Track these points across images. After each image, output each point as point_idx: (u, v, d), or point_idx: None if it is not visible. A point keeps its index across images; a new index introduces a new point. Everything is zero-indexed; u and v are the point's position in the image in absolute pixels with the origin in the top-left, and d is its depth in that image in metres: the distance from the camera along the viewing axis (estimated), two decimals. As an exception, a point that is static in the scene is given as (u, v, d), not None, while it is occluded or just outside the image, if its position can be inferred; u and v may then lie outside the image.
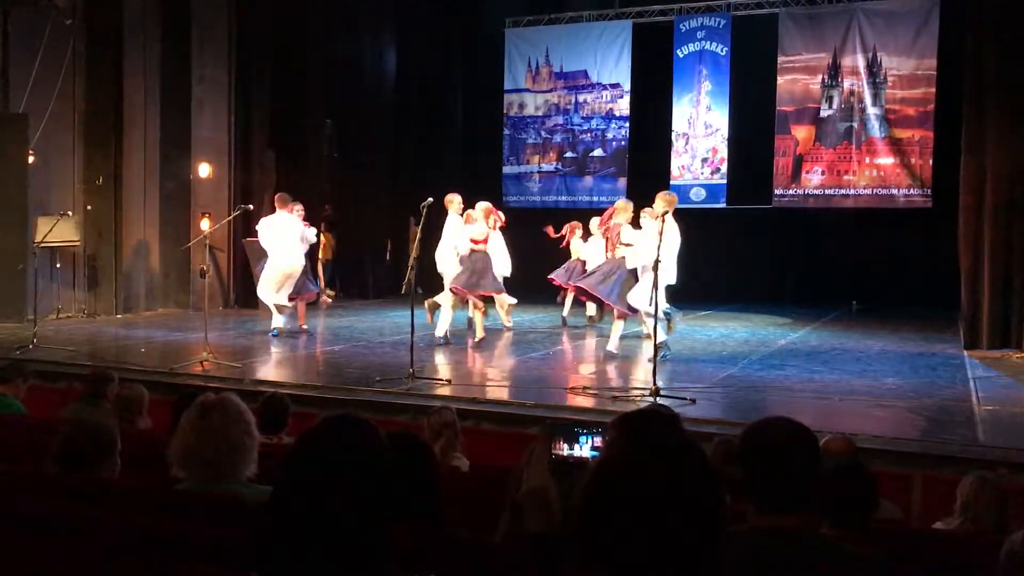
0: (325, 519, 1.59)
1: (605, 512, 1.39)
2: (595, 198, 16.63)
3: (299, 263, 10.36)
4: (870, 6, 14.95)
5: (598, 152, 16.94)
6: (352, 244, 15.63)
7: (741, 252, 16.10)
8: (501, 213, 11.00)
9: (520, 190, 17.50)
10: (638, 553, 1.36)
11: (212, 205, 13.12)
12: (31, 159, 11.21)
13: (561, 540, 1.68)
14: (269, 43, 14.11)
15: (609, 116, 16.81)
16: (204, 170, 13.33)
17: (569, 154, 17.15)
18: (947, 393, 7.44)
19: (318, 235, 11.35)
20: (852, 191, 15.19)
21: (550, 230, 12.72)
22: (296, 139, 14.80)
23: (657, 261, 7.40)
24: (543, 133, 17.37)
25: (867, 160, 15.06)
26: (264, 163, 14.23)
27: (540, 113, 17.36)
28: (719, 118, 15.96)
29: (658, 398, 6.71)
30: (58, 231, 9.96)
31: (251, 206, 10.55)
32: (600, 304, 10.82)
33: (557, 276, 12.28)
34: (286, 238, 10.24)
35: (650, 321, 8.16)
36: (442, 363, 8.81)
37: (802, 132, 15.42)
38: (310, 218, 11.04)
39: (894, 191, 14.94)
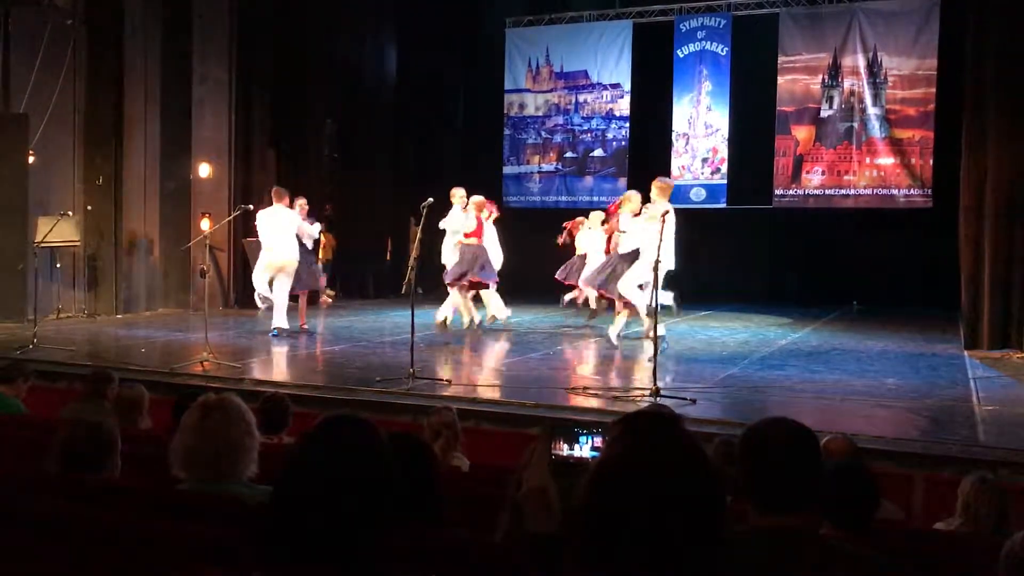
0: (326, 519, 1.59)
1: (605, 512, 1.39)
2: (595, 198, 16.62)
3: (290, 257, 10.29)
4: (870, 6, 14.95)
5: (598, 152, 16.95)
6: (352, 244, 15.62)
7: (741, 252, 16.11)
8: (494, 205, 10.96)
9: (520, 190, 17.51)
10: (638, 553, 1.36)
11: (212, 205, 13.12)
12: (31, 159, 11.21)
13: (561, 540, 1.67)
14: (269, 43, 14.11)
15: (609, 116, 16.81)
16: (204, 170, 13.33)
17: (569, 154, 17.15)
18: (948, 393, 7.44)
19: (315, 246, 11.32)
20: (852, 191, 15.19)
21: (560, 239, 12.59)
22: (296, 139, 14.81)
23: (657, 261, 7.41)
24: (543, 133, 17.38)
25: (867, 160, 15.07)
26: (264, 163, 14.24)
27: (540, 113, 17.36)
28: (719, 118, 15.96)
29: (658, 398, 6.71)
30: (58, 231, 9.96)
31: (251, 206, 10.52)
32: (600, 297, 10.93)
33: (560, 274, 12.29)
34: (279, 231, 10.24)
35: (648, 320, 8.18)
36: (442, 363, 8.81)
37: (802, 132, 15.43)
38: (310, 218, 11.05)
39: (894, 191, 14.94)
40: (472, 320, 10.75)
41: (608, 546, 1.38)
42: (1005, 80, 9.70)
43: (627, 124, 16.67)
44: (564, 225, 12.48)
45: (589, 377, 8.28)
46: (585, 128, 17.06)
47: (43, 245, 10.10)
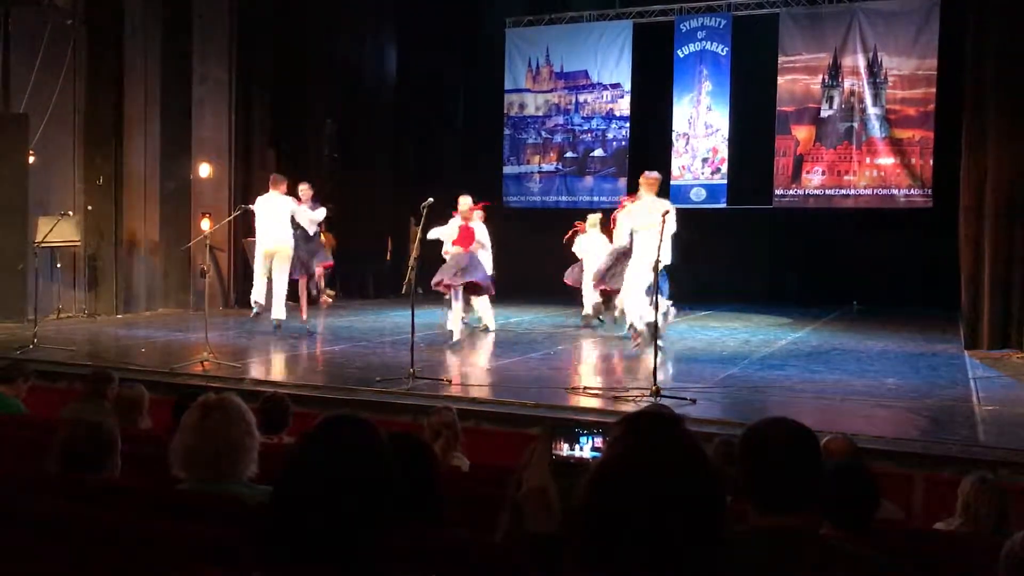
0: (326, 519, 1.59)
1: (606, 512, 1.39)
2: (595, 198, 16.64)
3: (282, 242, 10.25)
4: (870, 6, 14.95)
5: (598, 152, 16.95)
6: (352, 244, 15.62)
7: (741, 252, 16.10)
8: (479, 208, 10.73)
9: (520, 190, 17.51)
10: (638, 553, 1.36)
11: (212, 205, 13.11)
12: (31, 159, 11.21)
13: (561, 540, 1.68)
14: (269, 43, 14.11)
15: (609, 116, 16.81)
16: (204, 170, 13.33)
17: (569, 154, 17.15)
18: (948, 393, 7.44)
19: (318, 233, 11.23)
20: (852, 191, 15.19)
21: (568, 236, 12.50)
22: (296, 139, 14.81)
23: (658, 261, 7.42)
24: (543, 133, 17.38)
25: (867, 160, 15.06)
26: (264, 163, 14.23)
27: (540, 113, 17.36)
28: (719, 118, 15.96)
29: (659, 398, 6.71)
30: (58, 231, 9.96)
31: (251, 206, 10.53)
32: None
33: (568, 279, 12.26)
34: (271, 217, 10.23)
35: (648, 316, 8.18)
36: (442, 363, 8.81)
37: (802, 132, 15.42)
38: (315, 203, 10.97)
39: (894, 191, 14.94)
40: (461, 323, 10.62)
41: (608, 546, 1.38)
42: (1005, 80, 9.70)
43: (627, 124, 16.67)
44: (575, 225, 12.30)
45: (589, 377, 8.28)
46: (585, 128, 17.05)
47: (43, 245, 10.10)
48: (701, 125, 16.10)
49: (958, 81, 11.34)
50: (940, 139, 14.19)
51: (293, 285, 10.67)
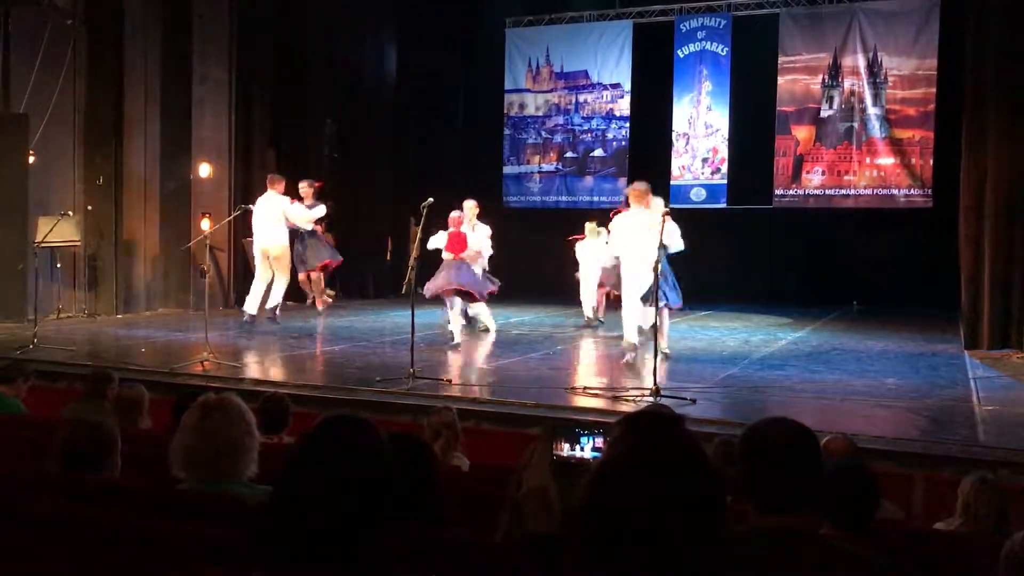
0: (326, 519, 1.59)
1: (606, 512, 1.39)
2: (595, 198, 16.64)
3: (273, 242, 10.31)
4: (870, 6, 14.95)
5: (598, 152, 16.95)
6: (352, 244, 15.61)
7: (741, 252, 16.11)
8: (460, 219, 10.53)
9: (520, 190, 17.51)
10: (639, 553, 1.36)
11: (212, 205, 13.12)
12: (31, 159, 11.21)
13: (561, 540, 1.68)
14: (269, 43, 14.12)
15: (609, 116, 16.81)
16: (204, 170, 13.33)
17: (569, 154, 17.15)
18: (948, 393, 7.44)
19: (314, 232, 11.19)
20: (852, 191, 15.19)
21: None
22: (296, 139, 14.81)
23: (657, 262, 7.42)
24: (543, 133, 17.38)
25: (867, 160, 15.06)
26: (264, 163, 14.23)
27: (540, 113, 17.36)
28: (719, 118, 15.96)
29: (659, 398, 6.71)
30: (58, 231, 9.96)
31: (251, 206, 10.55)
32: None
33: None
34: (264, 217, 10.34)
35: (648, 320, 8.19)
36: (442, 363, 8.81)
37: (802, 132, 15.42)
38: (317, 200, 10.92)
39: (894, 191, 14.94)
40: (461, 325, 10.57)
41: (608, 546, 1.38)
42: (1005, 80, 9.70)
43: (627, 124, 16.66)
44: (575, 238, 12.21)
45: (589, 377, 8.28)
46: (585, 128, 17.05)
47: (43, 245, 10.11)
48: (701, 125, 16.10)
49: (958, 81, 11.34)
50: (940, 139, 14.19)
51: (294, 284, 10.67)
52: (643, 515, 1.37)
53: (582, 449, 1.84)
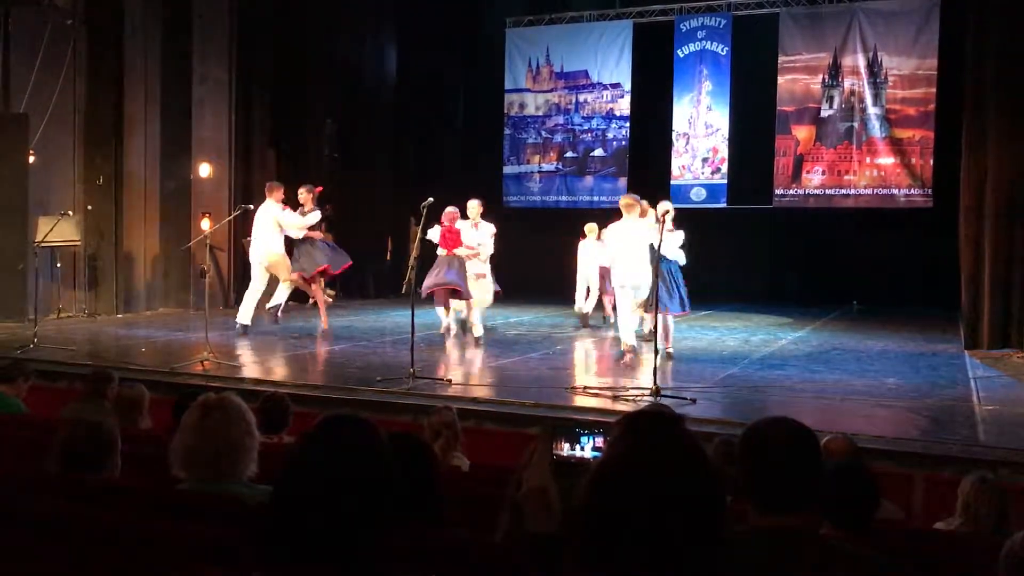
0: (326, 519, 1.59)
1: (606, 512, 1.39)
2: (595, 198, 16.65)
3: (265, 251, 10.29)
4: (871, 6, 14.95)
5: (599, 152, 16.95)
6: (352, 244, 15.60)
7: (741, 252, 16.11)
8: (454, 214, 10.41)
9: (520, 190, 17.51)
10: (639, 553, 1.36)
11: (212, 205, 13.12)
12: (31, 159, 11.21)
13: (561, 540, 1.68)
14: (269, 43, 14.12)
15: (609, 116, 16.82)
16: (204, 170, 13.33)
17: (569, 154, 17.15)
18: (948, 393, 7.44)
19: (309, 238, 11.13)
20: (853, 191, 15.19)
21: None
22: (296, 139, 14.82)
23: (657, 264, 7.43)
24: (543, 133, 17.38)
25: (868, 160, 15.07)
26: (264, 163, 14.24)
27: (540, 113, 17.36)
28: (719, 118, 15.96)
29: (659, 398, 6.71)
30: (58, 231, 9.96)
31: (251, 206, 10.53)
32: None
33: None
34: (258, 225, 10.35)
35: (649, 320, 8.19)
36: (443, 363, 8.82)
37: (803, 132, 15.42)
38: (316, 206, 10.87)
39: (895, 191, 14.94)
40: (448, 327, 10.55)
41: (608, 546, 1.38)
42: (1005, 80, 9.70)
43: (627, 124, 16.67)
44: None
45: (589, 377, 8.28)
46: (585, 128, 17.06)
47: (43, 245, 10.10)
48: (701, 125, 16.10)
49: (958, 81, 11.34)
50: (940, 139, 14.19)
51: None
52: (643, 515, 1.36)
53: (582, 449, 1.84)
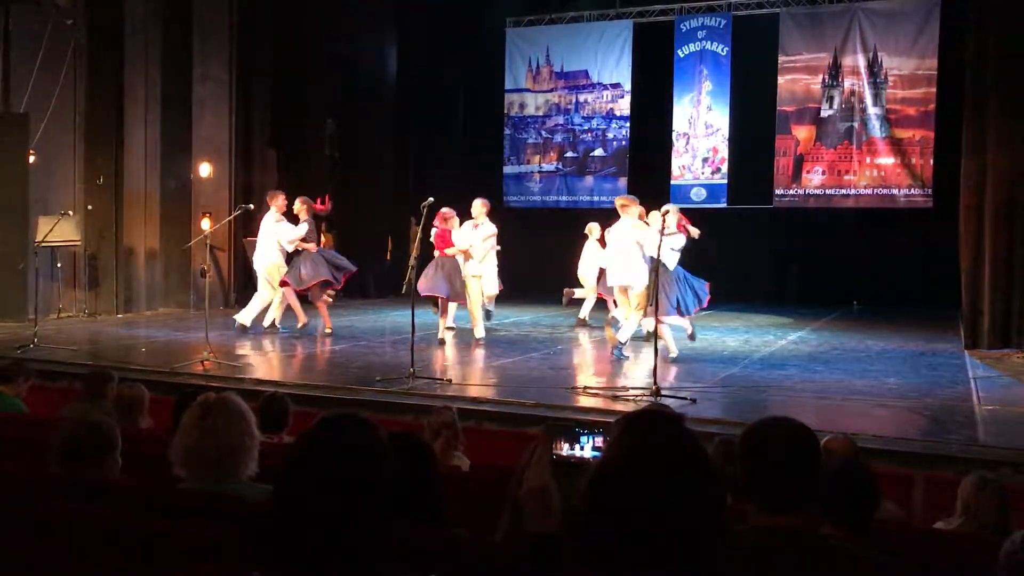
0: (326, 518, 1.59)
1: (606, 512, 1.39)
2: (596, 198, 16.64)
3: (261, 261, 10.40)
4: (871, 6, 14.95)
5: (599, 152, 16.95)
6: (352, 244, 15.61)
7: (742, 252, 16.10)
8: (452, 214, 10.35)
9: (521, 190, 17.51)
10: (639, 553, 1.36)
11: (213, 205, 13.12)
12: (32, 159, 11.21)
13: (561, 540, 1.67)
14: (269, 43, 14.12)
15: (610, 116, 16.81)
16: (205, 170, 13.33)
17: (570, 154, 17.15)
18: (948, 393, 7.44)
19: (318, 234, 11.14)
20: (853, 191, 15.19)
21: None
22: (296, 139, 14.82)
23: (658, 261, 7.42)
24: (544, 133, 17.38)
25: (868, 160, 15.06)
26: (265, 163, 14.24)
27: (541, 113, 17.36)
28: (720, 118, 15.96)
29: (659, 398, 6.71)
30: (59, 231, 9.96)
31: (252, 206, 10.56)
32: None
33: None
34: (260, 235, 10.54)
35: (649, 321, 8.19)
36: (443, 363, 8.82)
37: (803, 132, 15.42)
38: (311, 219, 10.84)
39: (895, 191, 14.94)
40: (443, 327, 10.55)
41: (608, 546, 1.38)
42: (1005, 80, 9.69)
43: (627, 124, 16.67)
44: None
45: (590, 377, 8.28)
46: (585, 128, 17.05)
47: (44, 244, 10.11)
48: (701, 125, 16.10)
49: (958, 81, 11.33)
50: (940, 139, 14.18)
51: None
52: (643, 515, 1.36)
53: (582, 449, 1.84)
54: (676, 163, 16.20)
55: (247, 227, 13.07)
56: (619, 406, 6.54)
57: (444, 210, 10.02)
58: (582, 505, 1.43)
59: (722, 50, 15.84)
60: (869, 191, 15.09)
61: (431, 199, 8.22)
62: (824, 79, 15.22)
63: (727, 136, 15.88)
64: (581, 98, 17.00)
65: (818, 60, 15.23)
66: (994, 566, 2.44)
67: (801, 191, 15.48)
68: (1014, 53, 9.63)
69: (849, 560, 1.93)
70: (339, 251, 15.34)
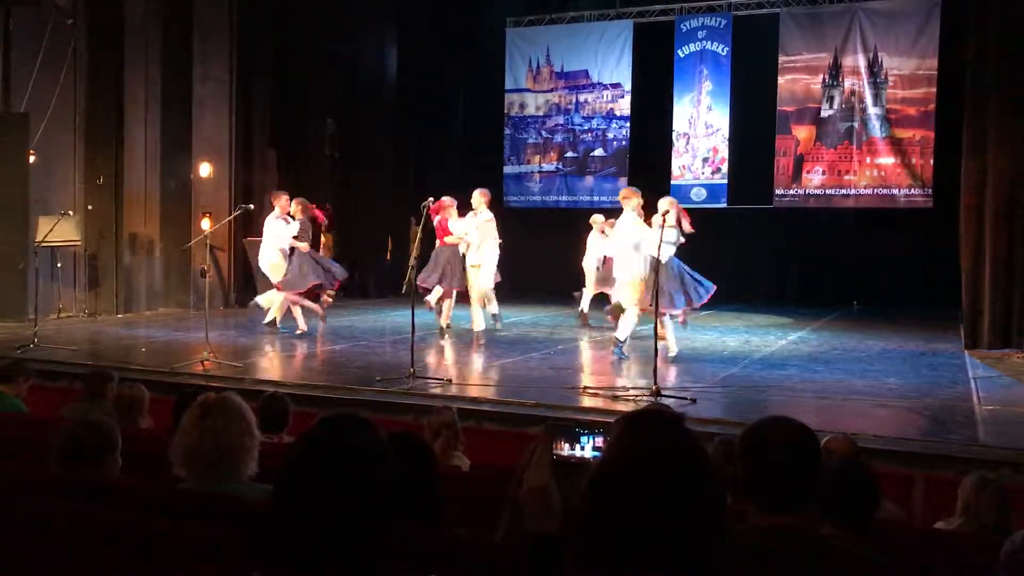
0: (326, 518, 1.59)
1: (606, 512, 1.39)
2: (596, 198, 16.64)
3: (267, 261, 10.42)
4: (871, 6, 14.95)
5: (599, 152, 16.95)
6: (352, 244, 15.63)
7: (742, 252, 16.09)
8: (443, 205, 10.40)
9: (521, 190, 17.51)
10: (639, 553, 1.36)
11: (213, 205, 13.12)
12: (32, 159, 11.21)
13: (561, 540, 1.67)
14: (269, 43, 14.12)
15: (610, 116, 16.81)
16: (205, 170, 13.33)
17: (570, 154, 17.15)
18: (948, 393, 7.44)
19: (317, 234, 11.15)
20: (853, 191, 15.19)
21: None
22: (296, 139, 14.82)
23: (658, 260, 7.42)
24: (544, 133, 17.38)
25: (868, 160, 15.06)
26: (265, 163, 14.24)
27: (541, 113, 17.36)
28: (720, 118, 15.96)
29: (659, 398, 6.71)
30: (59, 231, 9.96)
31: (252, 206, 10.59)
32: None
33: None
34: (264, 236, 10.57)
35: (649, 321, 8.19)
36: (443, 362, 8.81)
37: (803, 132, 15.42)
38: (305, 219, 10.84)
39: (895, 191, 14.94)
40: (443, 325, 10.57)
41: (608, 546, 1.38)
42: (1005, 80, 9.69)
43: (628, 124, 16.67)
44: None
45: (590, 377, 8.28)
46: (586, 128, 17.05)
47: (44, 244, 10.10)
48: (701, 125, 16.10)
49: (958, 81, 11.33)
50: (940, 139, 14.19)
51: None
52: (643, 515, 1.36)
53: (582, 449, 1.84)
54: (676, 163, 16.21)
55: (247, 227, 13.08)
56: (619, 406, 6.54)
57: (443, 199, 10.13)
58: (582, 505, 1.43)
59: (722, 50, 15.84)
60: (869, 191, 15.09)
61: (431, 199, 8.23)
62: (824, 79, 15.22)
63: (727, 136, 15.88)
64: (581, 98, 17.00)
65: (818, 60, 15.23)
66: (994, 566, 2.44)
67: (801, 191, 15.48)
68: (1014, 53, 9.63)
69: (849, 560, 1.93)
70: (339, 251, 15.41)
